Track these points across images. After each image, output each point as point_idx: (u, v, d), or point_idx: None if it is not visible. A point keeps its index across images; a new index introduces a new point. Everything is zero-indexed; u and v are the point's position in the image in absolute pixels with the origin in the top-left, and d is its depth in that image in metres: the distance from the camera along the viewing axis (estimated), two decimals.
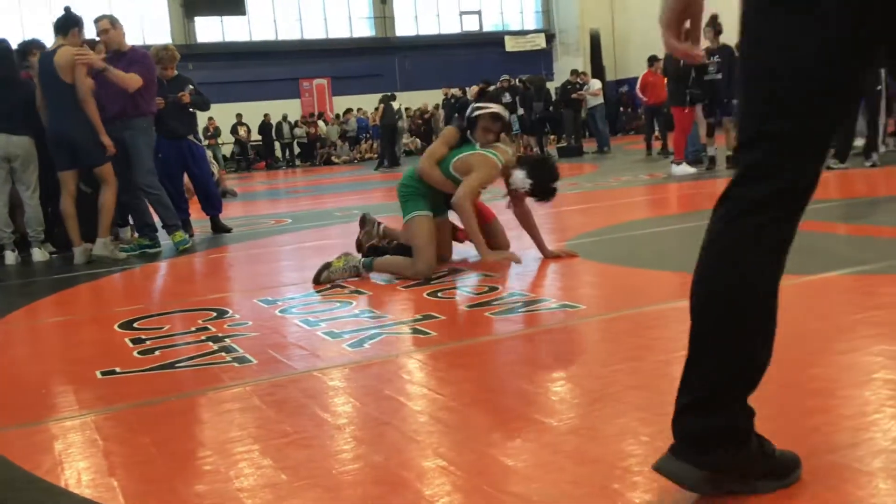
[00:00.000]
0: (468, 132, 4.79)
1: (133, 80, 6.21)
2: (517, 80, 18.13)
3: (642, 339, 2.92)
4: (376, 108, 20.12)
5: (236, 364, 2.99)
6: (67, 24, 6.11)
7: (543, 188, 4.59)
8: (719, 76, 9.93)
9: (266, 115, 25.31)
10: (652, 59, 13.81)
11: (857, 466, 1.74)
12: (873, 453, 1.79)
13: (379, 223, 4.97)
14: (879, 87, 8.28)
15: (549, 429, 2.11)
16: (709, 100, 9.97)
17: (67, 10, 6.22)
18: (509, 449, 2.01)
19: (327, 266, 4.52)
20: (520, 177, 4.53)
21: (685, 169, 9.74)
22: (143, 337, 3.56)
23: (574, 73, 18.04)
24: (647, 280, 4.04)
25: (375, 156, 23.81)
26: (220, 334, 3.47)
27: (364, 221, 5.05)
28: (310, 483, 1.90)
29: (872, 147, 8.41)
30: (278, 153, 25.87)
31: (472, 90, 18.55)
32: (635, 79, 22.83)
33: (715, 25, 10.23)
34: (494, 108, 4.86)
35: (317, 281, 4.46)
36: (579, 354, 2.87)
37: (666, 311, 3.33)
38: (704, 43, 10.23)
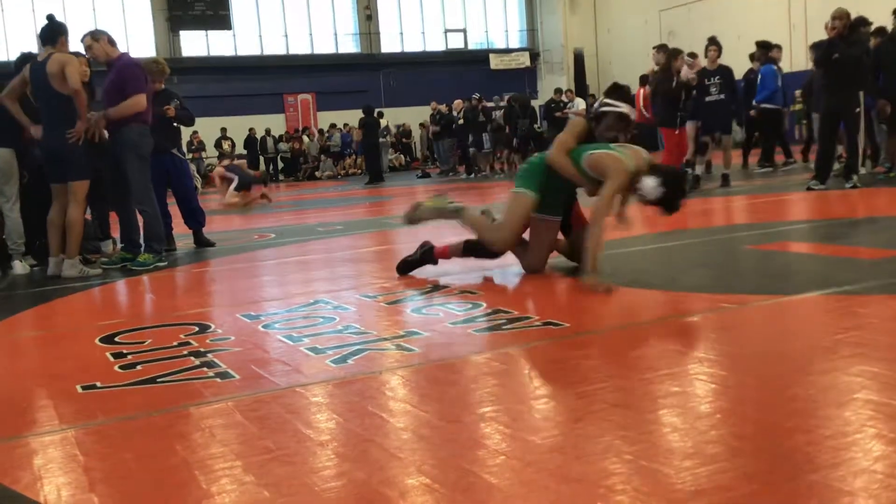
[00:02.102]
0: (593, 126, 4.69)
1: (135, 105, 6.22)
2: (479, 99, 18.29)
3: (626, 357, 2.93)
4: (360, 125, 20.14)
5: (218, 379, 2.97)
6: (54, 33, 6.01)
7: (672, 201, 4.32)
8: (722, 97, 10.12)
9: (251, 130, 25.31)
10: (644, 79, 13.89)
11: (838, 486, 1.75)
12: (854, 473, 1.80)
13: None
14: (858, 110, 8.38)
15: (533, 447, 2.11)
16: (709, 119, 10.16)
17: (51, 17, 6.13)
18: (492, 467, 2.01)
19: (417, 206, 4.46)
20: (651, 185, 4.24)
21: None
22: (125, 351, 3.54)
23: (558, 91, 18.17)
24: (631, 298, 4.06)
25: (360, 171, 23.86)
26: (202, 349, 3.46)
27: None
28: (292, 500, 1.89)
29: (853, 169, 8.50)
30: (262, 168, 25.86)
31: (456, 105, 18.68)
32: None
33: (716, 47, 10.42)
34: (623, 108, 4.71)
35: (410, 221, 4.52)
36: (563, 372, 2.87)
37: (650, 329, 3.35)
38: (703, 63, 10.42)
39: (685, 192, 4.46)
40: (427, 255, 4.92)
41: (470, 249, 4.84)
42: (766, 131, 12.43)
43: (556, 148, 4.61)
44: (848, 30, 8.33)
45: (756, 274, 4.36)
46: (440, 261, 4.92)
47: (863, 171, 9.04)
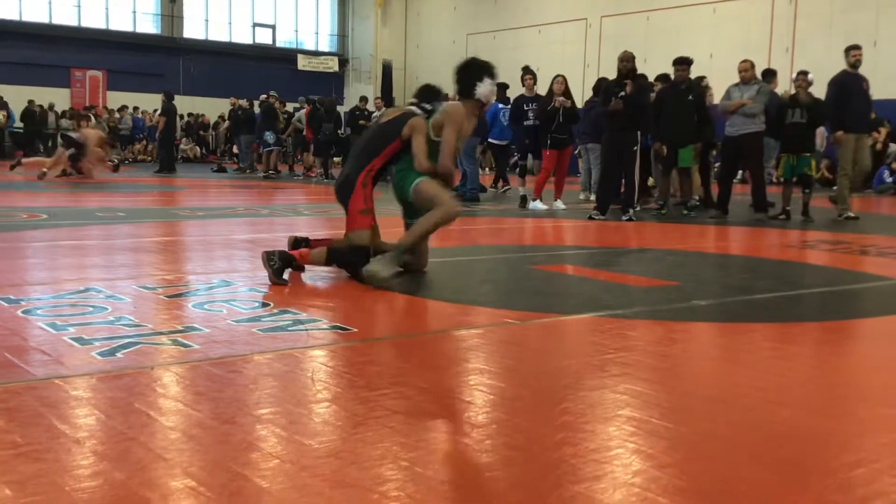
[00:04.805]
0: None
1: None
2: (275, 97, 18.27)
3: (410, 365, 2.94)
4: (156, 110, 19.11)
5: None
6: None
7: (486, 71, 4.96)
8: (538, 122, 10.63)
9: (31, 102, 23.33)
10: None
11: (599, 498, 1.83)
12: (615, 486, 1.89)
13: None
14: (636, 148, 9.00)
15: (310, 451, 2.05)
16: (529, 144, 10.95)
17: None
18: (265, 470, 1.93)
19: (375, 276, 4.36)
20: (483, 91, 4.89)
21: (538, 205, 10.36)
22: None
23: (363, 99, 18.21)
24: (420, 308, 4.10)
25: (150, 159, 22.68)
26: None
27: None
28: (38, 500, 1.72)
29: (629, 203, 9.11)
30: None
31: (271, 100, 18.14)
32: None
33: (531, 76, 11.22)
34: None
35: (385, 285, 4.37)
36: (346, 377, 2.83)
37: (435, 338, 3.39)
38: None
39: (479, 63, 5.02)
40: (286, 258, 4.51)
41: (335, 257, 4.67)
42: (500, 162, 14.69)
43: (421, 157, 4.77)
44: (633, 73, 8.96)
45: (538, 293, 4.55)
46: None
47: (638, 207, 9.70)
